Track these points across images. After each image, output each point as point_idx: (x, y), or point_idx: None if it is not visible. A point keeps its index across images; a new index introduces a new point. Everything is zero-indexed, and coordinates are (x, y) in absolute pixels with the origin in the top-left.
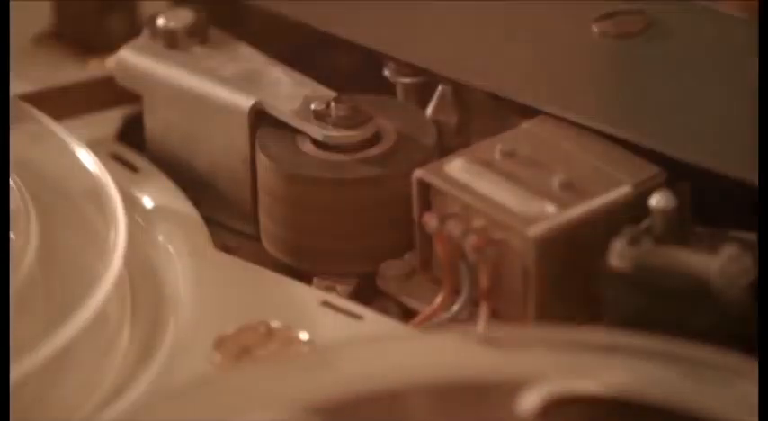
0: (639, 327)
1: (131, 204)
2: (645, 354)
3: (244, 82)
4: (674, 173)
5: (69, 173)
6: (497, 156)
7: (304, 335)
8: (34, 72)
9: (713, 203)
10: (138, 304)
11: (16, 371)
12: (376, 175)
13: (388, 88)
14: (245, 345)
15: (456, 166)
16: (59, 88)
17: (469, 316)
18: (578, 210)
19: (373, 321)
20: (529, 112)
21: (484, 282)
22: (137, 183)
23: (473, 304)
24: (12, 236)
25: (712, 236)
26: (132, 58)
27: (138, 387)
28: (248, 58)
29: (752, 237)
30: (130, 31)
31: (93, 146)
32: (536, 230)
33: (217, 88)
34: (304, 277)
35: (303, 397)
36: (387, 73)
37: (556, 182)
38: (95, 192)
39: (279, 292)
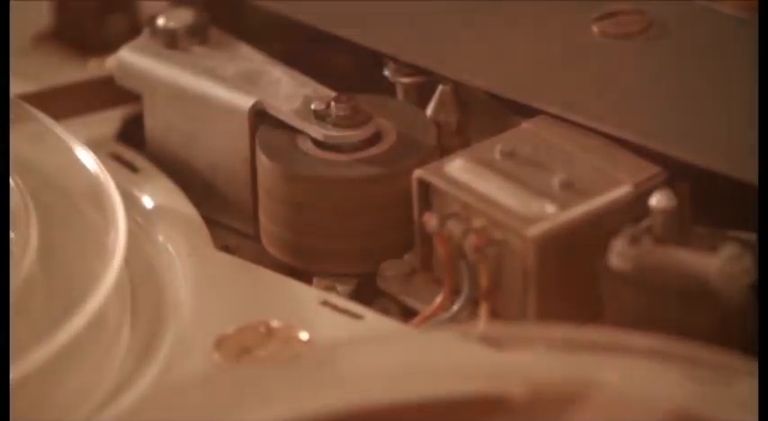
0: (639, 327)
1: (131, 204)
2: (645, 354)
3: (244, 82)
4: (674, 173)
5: (69, 173)
6: (497, 156)
7: (304, 335)
8: (34, 72)
9: (713, 203)
10: (138, 304)
11: (16, 371)
12: (376, 175)
13: (388, 88)
14: (245, 345)
15: (456, 166)
16: (59, 88)
17: (469, 316)
18: (578, 210)
19: (373, 321)
20: (529, 112)
21: (484, 281)
22: (137, 183)
23: (473, 304)
24: (12, 235)
25: (712, 236)
26: (132, 58)
27: (138, 387)
28: (248, 58)
29: (752, 237)
30: (130, 31)
31: (93, 146)
32: (536, 230)
33: (217, 88)
34: (304, 277)
35: (303, 396)
36: (387, 73)
37: (556, 182)
38: (95, 192)
39: (279, 292)
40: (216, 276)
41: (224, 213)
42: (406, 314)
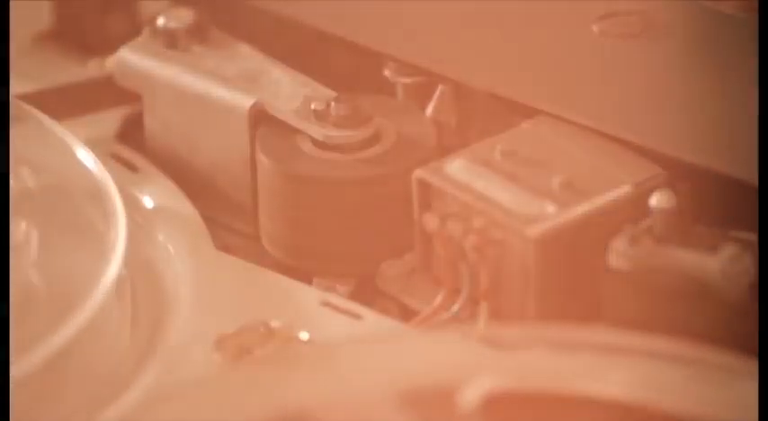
0: (639, 327)
1: (131, 204)
2: (645, 354)
3: (244, 82)
4: (674, 173)
5: (69, 173)
6: (497, 156)
7: (304, 335)
8: (34, 72)
9: (713, 203)
10: (138, 304)
11: (16, 371)
12: (376, 175)
13: (388, 88)
14: (245, 345)
15: (456, 166)
16: (59, 88)
17: (470, 315)
18: (578, 210)
19: (373, 321)
20: (529, 112)
21: (484, 281)
22: (137, 183)
23: (473, 304)
24: (12, 236)
25: (712, 236)
26: (132, 58)
27: (138, 387)
28: (248, 58)
29: (752, 237)
30: (130, 31)
31: (93, 146)
32: (536, 230)
33: (217, 88)
34: (304, 277)
35: (303, 396)
36: (387, 73)
37: (556, 182)
38: (95, 192)
39: (279, 292)
40: (216, 276)
41: (224, 213)
42: (406, 314)
